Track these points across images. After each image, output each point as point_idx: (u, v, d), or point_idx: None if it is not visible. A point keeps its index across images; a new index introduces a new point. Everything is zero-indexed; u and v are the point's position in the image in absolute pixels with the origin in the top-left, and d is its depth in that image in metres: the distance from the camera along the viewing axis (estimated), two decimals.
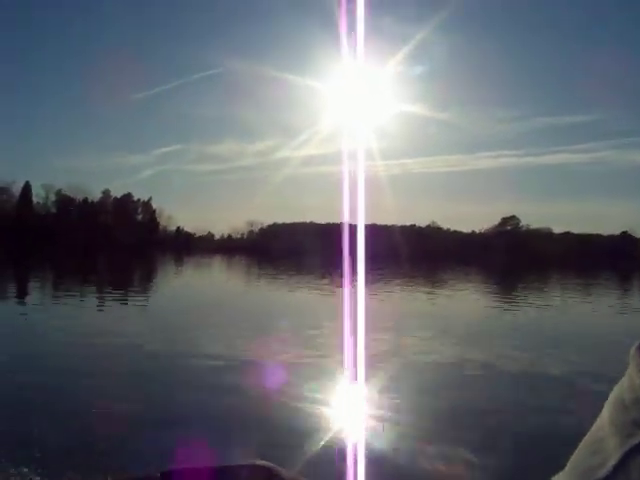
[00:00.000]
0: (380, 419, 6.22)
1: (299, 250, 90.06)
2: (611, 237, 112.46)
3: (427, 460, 5.13)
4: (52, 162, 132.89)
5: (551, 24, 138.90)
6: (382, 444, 5.44)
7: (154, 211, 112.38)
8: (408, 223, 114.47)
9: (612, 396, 0.41)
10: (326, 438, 5.38)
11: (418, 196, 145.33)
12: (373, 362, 8.85)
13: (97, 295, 22.00)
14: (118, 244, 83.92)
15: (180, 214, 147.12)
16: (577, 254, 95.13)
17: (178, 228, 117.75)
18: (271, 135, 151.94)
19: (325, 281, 33.58)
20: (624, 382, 0.41)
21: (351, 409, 6.64)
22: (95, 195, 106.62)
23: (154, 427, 5.82)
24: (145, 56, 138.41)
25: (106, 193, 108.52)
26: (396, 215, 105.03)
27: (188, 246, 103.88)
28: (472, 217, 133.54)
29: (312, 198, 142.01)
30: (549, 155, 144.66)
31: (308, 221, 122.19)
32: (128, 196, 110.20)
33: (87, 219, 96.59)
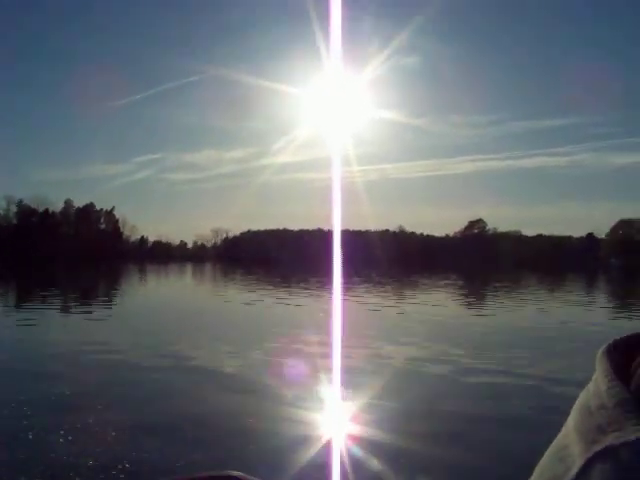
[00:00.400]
0: (357, 425, 6.21)
1: (271, 257, 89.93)
2: (581, 239, 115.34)
3: (405, 467, 5.12)
4: (29, 174, 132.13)
5: (527, 29, 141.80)
6: (359, 450, 5.42)
7: (117, 220, 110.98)
8: (385, 228, 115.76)
9: (578, 402, 0.40)
10: (301, 446, 5.33)
11: (395, 201, 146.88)
12: (350, 368, 8.83)
13: (58, 305, 21.61)
14: (80, 254, 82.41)
15: (155, 223, 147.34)
16: (548, 256, 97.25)
17: (142, 237, 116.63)
18: (248, 143, 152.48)
19: (295, 287, 33.54)
20: (590, 387, 0.40)
21: (327, 416, 6.62)
22: (57, 206, 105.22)
23: (124, 437, 5.69)
24: (122, 64, 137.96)
25: (68, 203, 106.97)
26: (374, 220, 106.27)
27: (153, 255, 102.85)
28: (450, 221, 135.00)
29: (287, 205, 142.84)
30: (527, 159, 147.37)
31: (282, 228, 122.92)
32: (90, 206, 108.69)
33: (48, 229, 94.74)
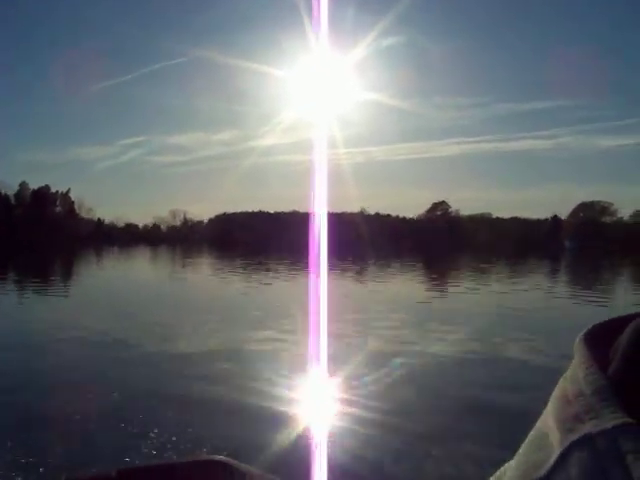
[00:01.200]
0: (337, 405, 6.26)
1: (238, 239, 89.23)
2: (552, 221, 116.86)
3: (388, 452, 5.18)
4: (16, 157, 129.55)
5: (514, 12, 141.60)
6: (344, 431, 5.46)
7: (73, 202, 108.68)
8: (359, 211, 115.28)
9: (557, 389, 0.40)
10: (285, 431, 5.35)
11: (380, 184, 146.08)
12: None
13: (13, 288, 21.30)
14: (34, 237, 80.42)
15: (141, 206, 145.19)
16: (515, 239, 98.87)
17: (99, 219, 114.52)
18: (235, 125, 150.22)
19: (255, 268, 33.53)
20: (568, 375, 0.40)
21: (310, 399, 6.64)
22: (13, 189, 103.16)
23: (106, 422, 5.61)
24: (107, 46, 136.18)
25: (23, 186, 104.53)
26: (358, 203, 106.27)
27: (111, 238, 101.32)
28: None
29: (273, 188, 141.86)
30: (513, 142, 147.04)
31: (257, 210, 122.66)
32: (45, 188, 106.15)
33: (2, 212, 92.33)
